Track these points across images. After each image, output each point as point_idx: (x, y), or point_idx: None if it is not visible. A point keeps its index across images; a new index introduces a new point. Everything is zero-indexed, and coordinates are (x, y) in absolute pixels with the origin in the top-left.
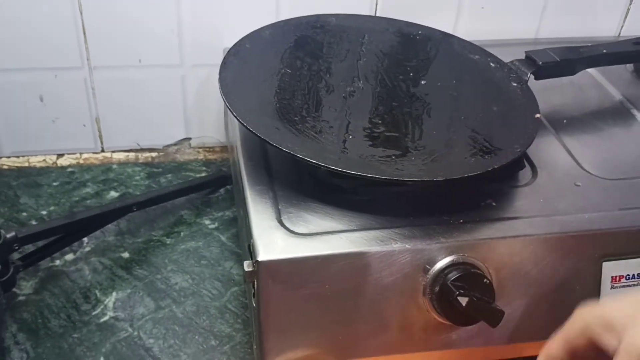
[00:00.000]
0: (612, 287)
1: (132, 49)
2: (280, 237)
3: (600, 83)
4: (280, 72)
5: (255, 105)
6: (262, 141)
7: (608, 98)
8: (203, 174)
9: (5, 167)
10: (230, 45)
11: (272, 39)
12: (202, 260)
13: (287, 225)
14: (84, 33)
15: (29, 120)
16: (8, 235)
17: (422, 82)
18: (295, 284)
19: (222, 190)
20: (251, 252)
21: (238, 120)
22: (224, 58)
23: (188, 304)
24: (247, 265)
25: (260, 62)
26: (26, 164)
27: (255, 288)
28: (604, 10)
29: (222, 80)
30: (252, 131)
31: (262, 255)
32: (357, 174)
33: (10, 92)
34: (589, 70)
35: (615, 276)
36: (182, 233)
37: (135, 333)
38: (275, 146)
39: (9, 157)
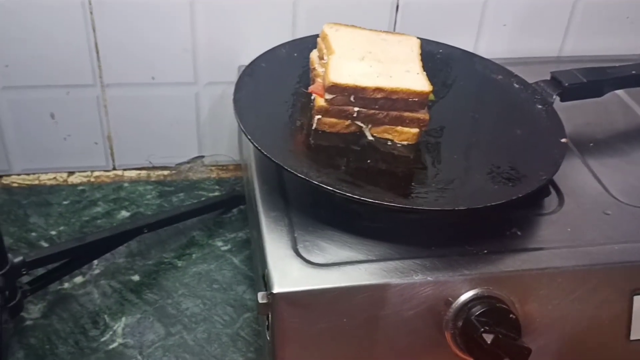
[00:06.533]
0: None
1: (146, 66)
2: (296, 267)
3: (627, 104)
4: (297, 91)
5: (270, 126)
6: (277, 165)
7: (636, 120)
8: (216, 193)
9: (15, 184)
10: (246, 62)
11: (289, 57)
12: (214, 284)
13: (303, 254)
14: (97, 51)
15: (40, 137)
16: (16, 260)
17: (442, 103)
18: (311, 318)
19: (235, 210)
20: (266, 283)
21: (253, 144)
22: (239, 78)
23: (199, 330)
24: (261, 297)
25: (276, 81)
26: (37, 182)
27: (270, 321)
28: (630, 29)
29: (236, 101)
30: (267, 155)
31: (278, 287)
32: (374, 202)
33: (22, 109)
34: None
35: None
36: (193, 255)
37: None
38: (290, 171)
39: (19, 174)
